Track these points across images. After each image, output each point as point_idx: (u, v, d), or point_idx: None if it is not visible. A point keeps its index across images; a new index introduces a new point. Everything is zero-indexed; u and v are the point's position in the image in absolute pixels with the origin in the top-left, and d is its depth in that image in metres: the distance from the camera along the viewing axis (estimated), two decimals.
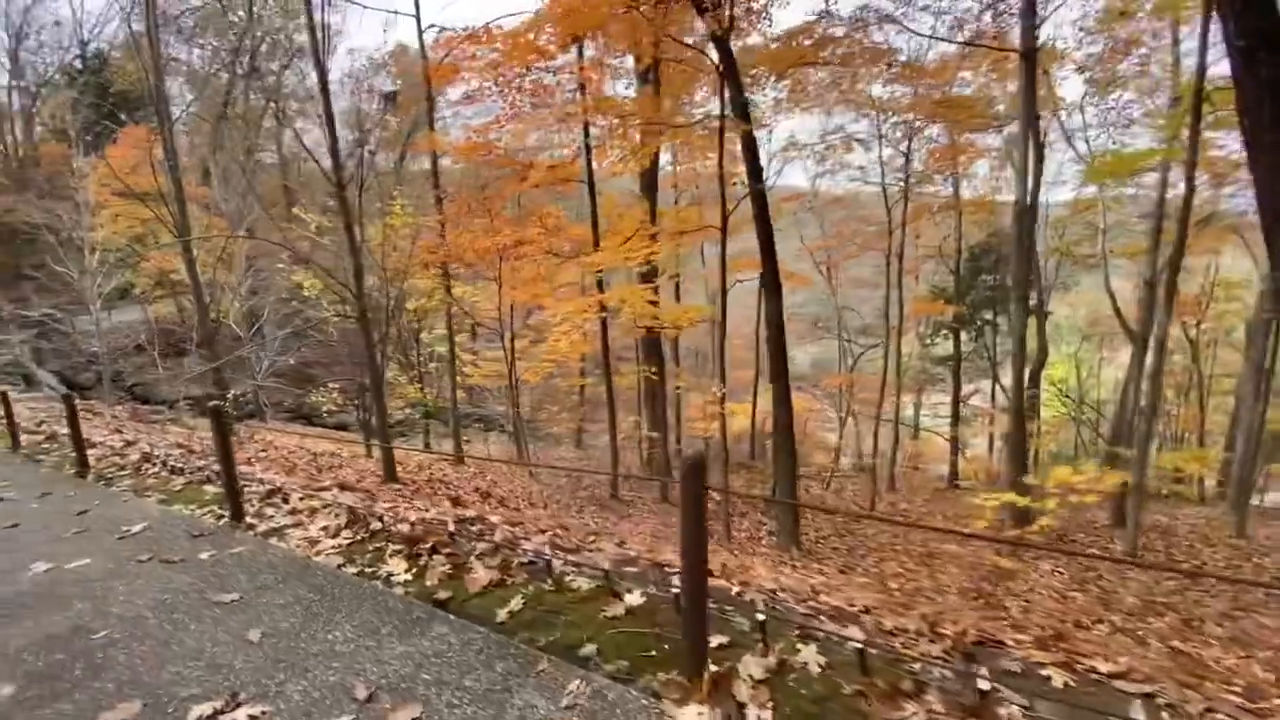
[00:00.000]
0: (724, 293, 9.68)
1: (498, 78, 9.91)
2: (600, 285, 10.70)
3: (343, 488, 5.39)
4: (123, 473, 6.39)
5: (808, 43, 8.81)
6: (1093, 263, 22.49)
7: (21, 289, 28.57)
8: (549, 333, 22.04)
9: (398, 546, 3.51)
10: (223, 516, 4.57)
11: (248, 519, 4.34)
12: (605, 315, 10.03)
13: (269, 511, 4.51)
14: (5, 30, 37.85)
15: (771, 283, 7.97)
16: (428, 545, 3.42)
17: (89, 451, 7.60)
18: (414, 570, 3.25)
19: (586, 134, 10.13)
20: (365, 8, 10.73)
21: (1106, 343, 30.56)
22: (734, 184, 12.35)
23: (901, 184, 17.14)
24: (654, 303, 10.87)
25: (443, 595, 2.95)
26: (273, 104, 42.30)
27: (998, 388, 26.47)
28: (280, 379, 22.84)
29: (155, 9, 14.80)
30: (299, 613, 2.87)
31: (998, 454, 25.47)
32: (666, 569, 3.35)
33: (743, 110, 7.87)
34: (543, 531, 4.00)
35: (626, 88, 13.64)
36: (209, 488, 5.34)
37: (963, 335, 26.73)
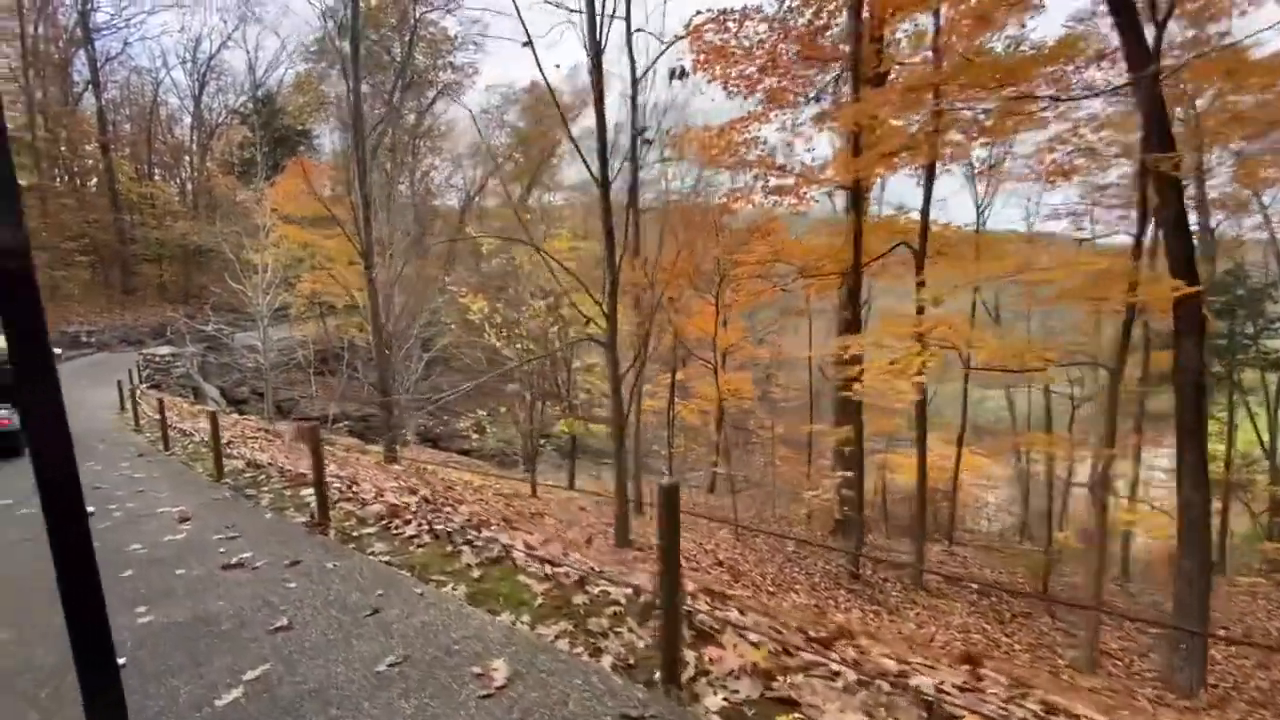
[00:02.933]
0: (1128, 326, 7.27)
1: (765, 64, 8.36)
2: (856, 320, 8.69)
3: (746, 609, 3.56)
4: (368, 530, 4.94)
5: None
6: None
7: (192, 306, 30.51)
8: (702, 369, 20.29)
9: None
10: (600, 647, 2.83)
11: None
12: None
13: (685, 653, 2.69)
14: (191, 77, 42.11)
15: (1193, 315, 5.63)
16: None
17: (305, 490, 6.37)
18: None
19: (858, 131, 8.29)
20: (572, 11, 9.80)
21: None
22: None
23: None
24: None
25: None
26: (413, 140, 44.31)
27: (1235, 452, 21.80)
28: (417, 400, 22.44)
29: (359, 51, 14.68)
30: None
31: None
32: None
33: (1155, 92, 5.71)
34: None
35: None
36: (529, 580, 3.67)
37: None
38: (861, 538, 9.14)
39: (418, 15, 31.28)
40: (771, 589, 7.65)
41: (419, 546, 4.48)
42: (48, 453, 0.83)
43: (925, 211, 9.10)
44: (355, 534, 4.87)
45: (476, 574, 3.84)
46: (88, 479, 7.60)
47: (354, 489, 6.19)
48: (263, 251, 19.60)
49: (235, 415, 17.11)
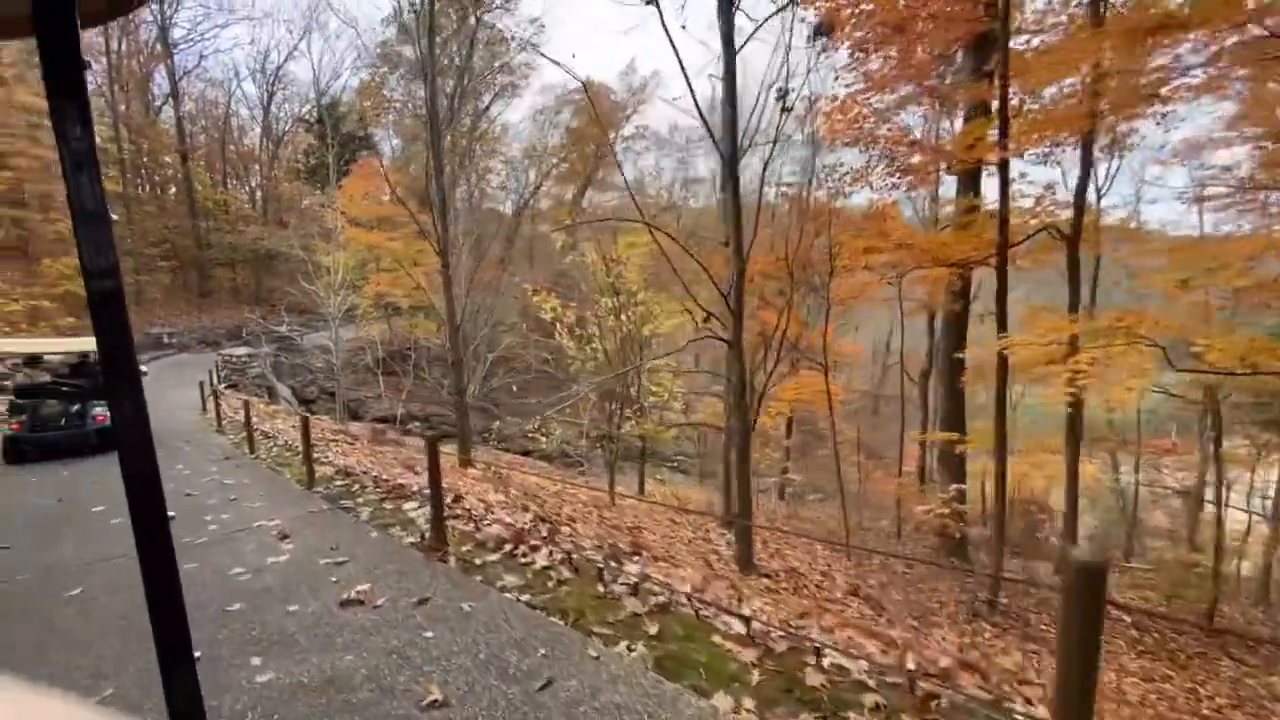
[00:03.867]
0: None
1: (898, 23, 7.37)
2: (1003, 315, 7.51)
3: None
4: (490, 557, 4.27)
5: None
6: None
7: (263, 308, 31.32)
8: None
9: None
10: None
11: None
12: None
13: None
14: (260, 88, 43.55)
15: None
16: None
17: (407, 504, 5.80)
18: None
19: (1005, 87, 7.02)
20: None
21: None
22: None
23: None
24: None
25: None
26: (470, 143, 44.65)
27: None
28: (482, 400, 22.23)
29: (435, 43, 14.39)
30: None
31: None
32: None
33: None
34: None
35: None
36: (726, 642, 2.89)
37: None
38: (1001, 560, 8.05)
39: (479, 15, 31.23)
40: (913, 623, 6.68)
41: (559, 583, 3.76)
42: (132, 452, 0.89)
43: (1081, 192, 7.84)
44: (477, 561, 4.20)
45: (652, 629, 3.07)
46: (178, 484, 7.30)
47: (459, 503, 5.56)
48: (335, 253, 19.67)
49: (308, 415, 17.07)
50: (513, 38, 39.31)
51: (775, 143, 6.23)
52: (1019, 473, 15.53)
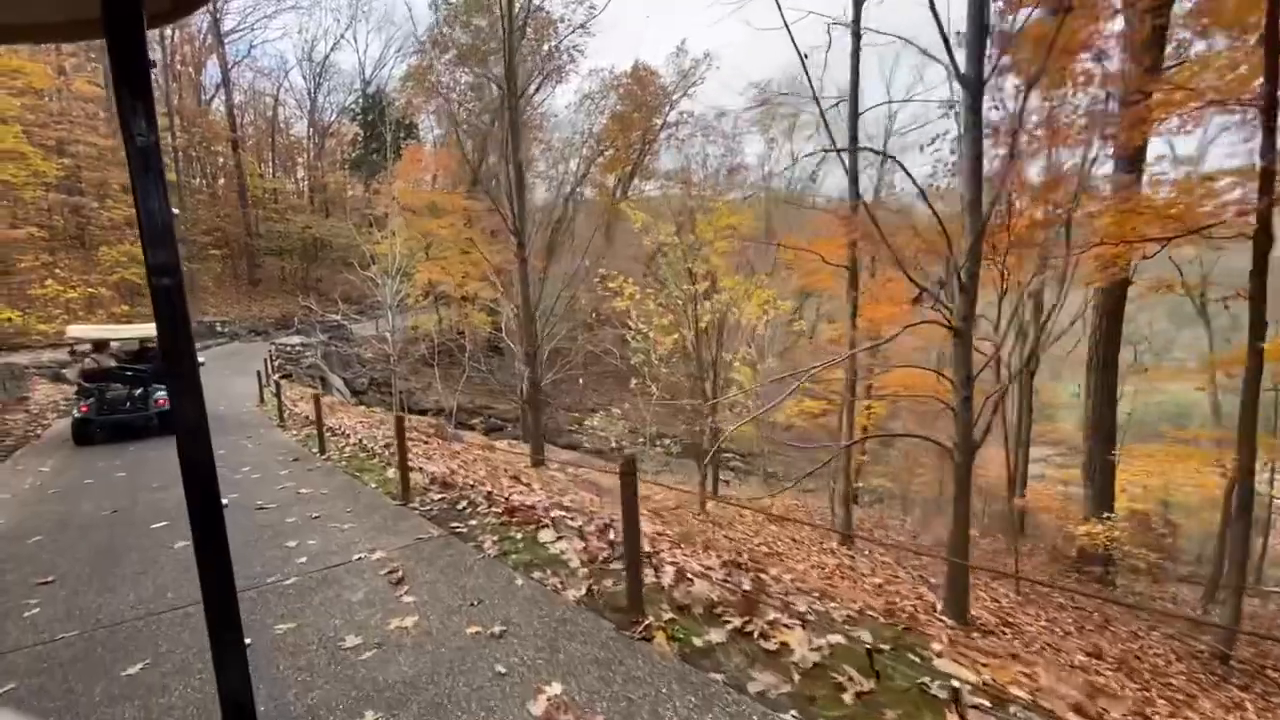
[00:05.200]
0: None
1: None
2: (1261, 297, 5.90)
3: None
4: (711, 635, 2.92)
5: None
6: None
7: (311, 297, 30.86)
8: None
9: None
10: None
11: None
12: None
13: None
14: (306, 78, 43.18)
15: None
16: None
17: (543, 534, 4.51)
18: None
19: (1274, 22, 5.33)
20: None
21: None
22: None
23: None
24: None
25: None
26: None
27: None
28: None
29: (513, 15, 13.14)
30: None
31: None
32: None
33: None
34: None
35: None
36: None
37: None
38: (1240, 602, 6.40)
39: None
40: (1164, 693, 5.18)
41: (860, 697, 2.40)
42: (189, 439, 0.94)
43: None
44: (696, 642, 2.87)
45: None
46: (247, 493, 6.14)
47: (605, 535, 4.24)
48: (390, 238, 18.76)
49: (403, 415, 16.20)
50: (561, 19, 37.99)
51: (1051, 50, 4.54)
52: (1123, 479, 13.63)
